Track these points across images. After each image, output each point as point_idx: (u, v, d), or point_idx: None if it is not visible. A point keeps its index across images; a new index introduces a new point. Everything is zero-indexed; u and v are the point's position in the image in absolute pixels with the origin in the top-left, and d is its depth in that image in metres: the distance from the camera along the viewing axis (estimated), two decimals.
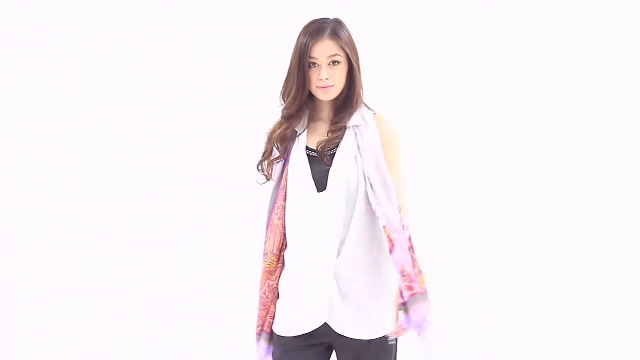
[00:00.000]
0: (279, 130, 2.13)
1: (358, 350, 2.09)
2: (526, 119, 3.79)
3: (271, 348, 2.18)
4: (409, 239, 2.05)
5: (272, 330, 2.17)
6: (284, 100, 2.13)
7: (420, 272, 2.04)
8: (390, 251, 2.02)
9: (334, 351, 2.18)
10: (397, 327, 2.09)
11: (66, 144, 3.81)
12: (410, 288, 2.01)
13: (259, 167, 2.19)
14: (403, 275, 2.01)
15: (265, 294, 2.17)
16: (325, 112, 2.15)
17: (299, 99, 2.08)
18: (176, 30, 3.78)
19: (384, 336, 2.09)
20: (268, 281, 2.16)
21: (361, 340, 2.08)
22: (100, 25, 3.78)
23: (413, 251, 2.05)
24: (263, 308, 2.17)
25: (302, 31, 2.09)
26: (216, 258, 3.76)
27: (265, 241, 2.17)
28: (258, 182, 2.23)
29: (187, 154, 3.80)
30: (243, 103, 3.76)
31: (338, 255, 2.06)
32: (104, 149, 3.81)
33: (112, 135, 3.81)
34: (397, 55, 3.77)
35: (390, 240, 2.02)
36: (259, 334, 2.19)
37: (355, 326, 2.07)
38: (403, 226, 2.05)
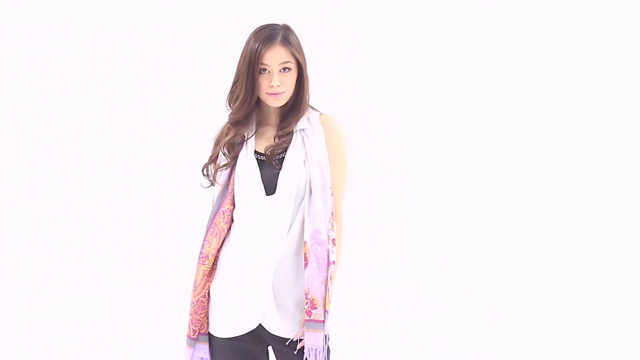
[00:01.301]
0: (227, 137, 2.14)
1: (293, 348, 2.12)
2: (525, 119, 3.79)
3: (209, 348, 2.19)
4: (328, 254, 2.07)
5: (209, 332, 2.18)
6: (230, 106, 2.14)
7: (327, 291, 2.07)
8: (305, 266, 2.06)
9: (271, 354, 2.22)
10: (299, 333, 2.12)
11: (66, 144, 3.81)
12: (309, 313, 2.05)
13: (204, 172, 2.23)
14: (307, 297, 2.05)
15: (204, 296, 2.17)
16: (273, 118, 2.16)
17: (247, 104, 2.09)
18: (176, 30, 3.78)
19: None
20: (208, 284, 2.18)
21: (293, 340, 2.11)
22: (100, 25, 3.78)
23: (330, 266, 2.07)
24: (202, 311, 2.17)
25: (251, 37, 2.08)
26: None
27: (205, 244, 2.19)
28: (202, 186, 2.26)
29: (187, 154, 3.79)
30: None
31: (280, 257, 2.09)
32: (104, 149, 3.80)
33: (112, 135, 3.80)
34: (394, 55, 3.77)
35: (306, 257, 2.06)
36: (195, 338, 2.18)
37: (289, 327, 2.11)
38: (329, 238, 2.07)
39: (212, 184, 2.23)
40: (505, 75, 3.78)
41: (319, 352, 2.05)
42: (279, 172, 2.08)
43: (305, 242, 2.05)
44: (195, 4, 3.79)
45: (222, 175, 2.17)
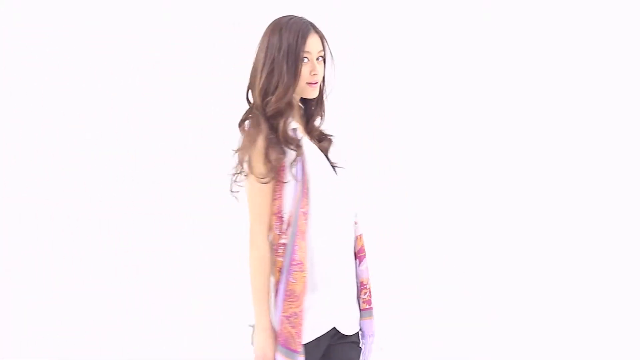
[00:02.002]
0: (283, 129, 1.99)
1: (354, 342, 2.10)
2: (525, 119, 3.79)
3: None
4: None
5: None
6: (268, 96, 2.00)
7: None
8: (363, 258, 2.08)
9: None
10: None
11: (66, 144, 3.80)
12: (369, 302, 2.11)
13: (265, 177, 1.98)
14: (366, 287, 2.09)
15: (303, 310, 1.98)
16: (296, 113, 2.08)
17: (289, 94, 1.99)
18: (176, 30, 3.78)
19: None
20: (308, 291, 1.99)
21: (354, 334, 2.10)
22: (100, 25, 3.78)
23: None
24: (303, 321, 1.97)
25: (283, 26, 2.01)
26: (216, 258, 3.75)
27: (297, 250, 1.95)
28: (234, 194, 2.14)
29: (187, 154, 3.79)
30: (243, 103, 3.76)
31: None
32: (104, 149, 3.80)
33: (112, 135, 3.80)
34: (394, 55, 3.77)
35: (363, 249, 2.08)
36: (301, 351, 1.98)
37: (355, 322, 2.11)
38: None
39: (268, 181, 1.99)
40: (505, 75, 3.78)
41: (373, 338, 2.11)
42: (335, 167, 2.07)
43: (361, 236, 2.08)
44: (195, 4, 3.79)
45: (297, 171, 1.98)
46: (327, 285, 1.99)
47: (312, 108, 2.10)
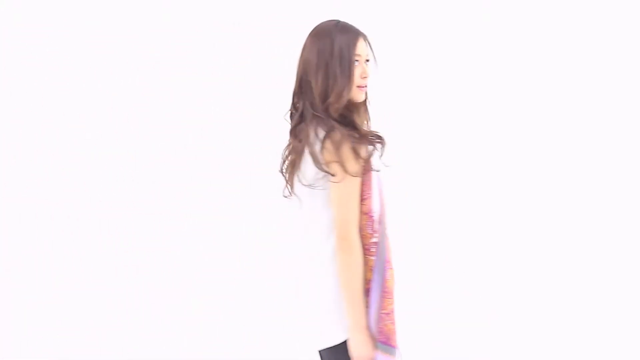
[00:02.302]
0: (366, 128, 2.06)
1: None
2: (525, 119, 3.79)
3: None
4: None
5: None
6: (323, 100, 2.01)
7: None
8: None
9: None
10: None
11: (66, 144, 3.81)
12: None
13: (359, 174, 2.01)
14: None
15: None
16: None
17: (346, 95, 2.01)
18: (176, 30, 3.78)
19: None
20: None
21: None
22: (100, 25, 3.78)
23: None
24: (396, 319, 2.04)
25: (332, 30, 2.02)
26: (216, 258, 3.76)
27: (388, 250, 2.02)
28: (286, 196, 2.10)
29: (187, 154, 3.80)
30: (243, 103, 3.76)
31: None
32: (104, 149, 3.80)
33: (112, 135, 3.80)
34: (394, 55, 3.77)
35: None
36: (397, 347, 2.04)
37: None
38: None
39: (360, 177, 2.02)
40: (505, 75, 3.78)
41: None
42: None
43: None
44: (195, 4, 3.79)
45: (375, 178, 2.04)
46: None
47: (353, 114, 2.07)
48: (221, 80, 3.77)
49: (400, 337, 2.03)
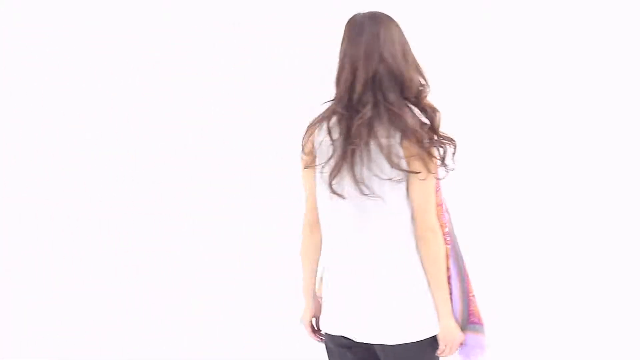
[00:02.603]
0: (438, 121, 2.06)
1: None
2: (525, 120, 3.79)
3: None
4: None
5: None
6: (410, 89, 2.02)
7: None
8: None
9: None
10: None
11: (66, 144, 3.81)
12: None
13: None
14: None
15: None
16: None
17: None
18: (176, 30, 3.78)
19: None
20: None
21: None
22: (100, 25, 3.78)
23: None
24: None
25: (386, 17, 2.03)
26: (216, 258, 3.76)
27: (447, 223, 2.06)
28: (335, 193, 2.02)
29: (187, 154, 3.80)
30: (243, 103, 3.76)
31: None
32: (104, 149, 3.80)
33: (112, 135, 3.80)
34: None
35: None
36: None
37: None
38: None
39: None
40: (505, 75, 3.78)
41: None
42: None
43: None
44: (195, 4, 3.79)
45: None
46: None
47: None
48: (221, 80, 3.77)
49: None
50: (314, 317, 2.15)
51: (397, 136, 1.89)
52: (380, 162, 1.91)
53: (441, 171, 1.97)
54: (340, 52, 1.97)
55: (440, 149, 1.95)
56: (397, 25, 2.00)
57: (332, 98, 1.98)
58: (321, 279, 2.12)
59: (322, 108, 1.98)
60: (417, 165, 1.90)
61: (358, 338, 2.00)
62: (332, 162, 1.93)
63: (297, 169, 2.03)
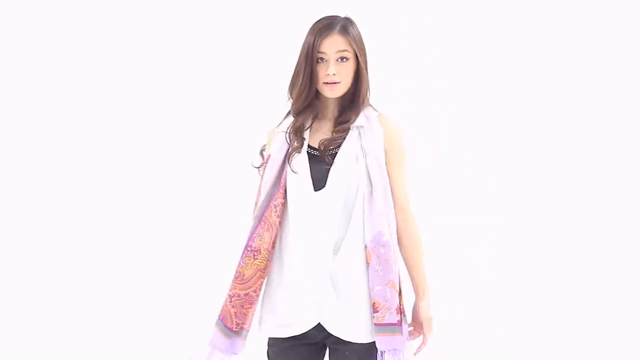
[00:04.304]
0: (294, 125, 2.09)
1: (354, 352, 2.07)
2: (524, 121, 3.80)
3: (269, 351, 2.16)
4: (393, 255, 2.05)
5: (249, 328, 2.12)
6: (291, 95, 2.09)
7: (399, 292, 2.06)
8: (367, 268, 2.05)
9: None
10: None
11: (66, 144, 3.81)
12: (374, 317, 2.03)
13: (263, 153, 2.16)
14: (371, 300, 2.04)
15: (255, 291, 2.09)
16: (330, 110, 2.13)
17: (306, 94, 2.04)
18: (176, 30, 3.78)
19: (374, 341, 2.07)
20: (260, 279, 2.09)
21: (355, 343, 2.06)
22: (100, 25, 3.79)
23: (396, 266, 2.06)
24: (249, 306, 2.09)
25: (312, 27, 2.05)
26: (215, 258, 3.76)
27: (255, 238, 2.08)
28: (253, 165, 2.19)
29: (186, 154, 3.80)
30: (242, 103, 3.77)
31: (335, 255, 2.04)
32: (104, 149, 3.81)
33: (112, 135, 3.81)
34: (394, 55, 3.77)
35: (367, 260, 2.04)
36: (236, 331, 2.11)
37: (349, 328, 2.06)
38: (391, 237, 2.05)
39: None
40: (506, 75, 3.79)
41: (399, 352, 2.04)
42: (329, 168, 2.05)
43: (365, 246, 2.03)
44: (195, 3, 3.79)
45: (272, 168, 2.09)
46: None
47: (345, 104, 2.11)
48: (221, 80, 3.77)
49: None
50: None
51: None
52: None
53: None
54: None
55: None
56: (307, 33, 2.06)
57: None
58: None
59: None
60: None
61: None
62: None
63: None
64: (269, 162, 2.10)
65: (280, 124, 2.14)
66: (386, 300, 2.02)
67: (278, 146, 2.10)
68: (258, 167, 2.15)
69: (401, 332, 2.04)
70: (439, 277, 3.74)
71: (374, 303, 2.02)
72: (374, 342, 2.05)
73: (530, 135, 3.79)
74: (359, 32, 2.09)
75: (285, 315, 2.09)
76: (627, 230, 3.77)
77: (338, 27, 2.03)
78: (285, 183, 2.07)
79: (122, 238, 3.82)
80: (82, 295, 3.80)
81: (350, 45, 2.04)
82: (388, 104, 3.76)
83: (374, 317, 2.02)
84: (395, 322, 2.03)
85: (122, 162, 3.82)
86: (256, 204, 2.11)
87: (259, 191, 2.11)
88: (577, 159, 3.78)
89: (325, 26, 2.02)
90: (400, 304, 2.05)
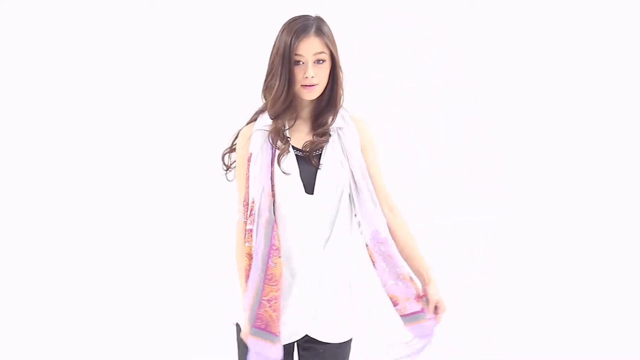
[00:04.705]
0: (275, 127, 2.06)
1: (328, 349, 2.10)
2: (524, 120, 3.80)
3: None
4: (393, 249, 2.06)
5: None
6: (265, 98, 2.08)
7: (410, 280, 2.07)
8: (373, 267, 2.07)
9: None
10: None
11: (66, 143, 3.81)
12: (398, 311, 2.06)
13: (224, 160, 2.15)
14: (390, 297, 2.07)
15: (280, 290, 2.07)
16: (306, 111, 2.12)
17: (284, 97, 2.03)
18: (176, 30, 3.78)
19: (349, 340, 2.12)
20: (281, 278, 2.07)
21: (334, 343, 2.09)
22: (100, 25, 3.78)
23: (399, 260, 2.07)
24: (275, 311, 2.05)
25: (285, 28, 2.03)
26: (214, 259, 3.75)
27: (275, 235, 2.03)
28: (228, 179, 2.18)
29: (186, 154, 3.80)
30: (242, 103, 3.76)
31: (322, 255, 2.06)
32: (104, 149, 3.81)
33: (112, 135, 3.81)
34: (396, 55, 3.77)
35: (372, 259, 2.06)
36: (279, 335, 2.05)
37: (333, 331, 2.09)
38: (387, 237, 2.06)
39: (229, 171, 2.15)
40: (506, 75, 3.79)
41: (428, 339, 2.06)
42: (317, 170, 2.05)
43: (367, 245, 2.04)
44: (195, 4, 3.79)
45: (257, 165, 2.07)
46: None
47: (322, 105, 2.10)
48: (221, 80, 3.77)
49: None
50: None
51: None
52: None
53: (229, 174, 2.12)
54: None
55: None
56: (280, 33, 2.05)
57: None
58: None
59: None
60: None
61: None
62: None
63: None
64: (251, 160, 2.07)
65: (249, 122, 2.13)
66: (402, 292, 2.04)
67: (259, 145, 2.07)
68: (226, 171, 2.14)
69: (426, 317, 2.06)
70: (439, 277, 3.76)
71: (391, 297, 2.05)
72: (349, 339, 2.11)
73: (529, 135, 3.78)
74: (332, 32, 2.07)
75: (284, 323, 2.09)
76: (626, 230, 3.76)
77: (314, 29, 2.01)
78: (274, 183, 2.05)
79: (121, 238, 3.82)
80: (80, 295, 3.80)
81: (327, 46, 2.02)
82: (388, 104, 3.78)
83: (395, 310, 2.05)
84: (419, 309, 2.07)
85: (121, 162, 3.82)
86: (246, 203, 2.07)
87: (247, 190, 2.07)
88: (576, 159, 3.78)
89: (301, 28, 2.00)
90: (417, 291, 2.07)
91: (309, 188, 2.05)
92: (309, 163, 2.06)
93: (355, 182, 2.07)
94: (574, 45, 3.76)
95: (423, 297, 2.09)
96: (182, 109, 3.81)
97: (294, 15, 2.06)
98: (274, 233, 2.01)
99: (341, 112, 2.11)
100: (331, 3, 3.70)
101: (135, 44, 3.80)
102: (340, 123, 2.09)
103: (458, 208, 3.79)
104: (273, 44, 2.04)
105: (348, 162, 2.07)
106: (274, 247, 2.01)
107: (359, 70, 3.72)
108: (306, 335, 2.08)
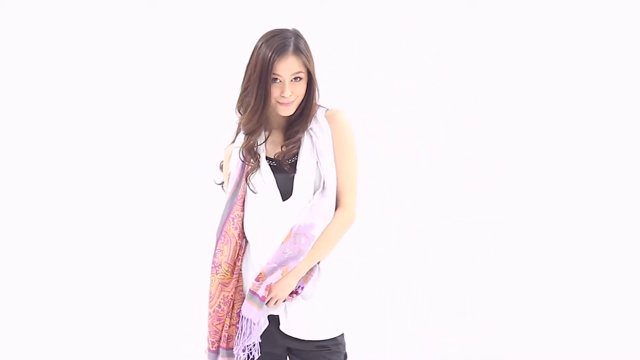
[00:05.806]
0: (246, 145, 2.09)
1: (313, 351, 2.12)
2: (524, 120, 3.79)
3: None
4: (306, 249, 2.06)
5: (229, 345, 2.12)
6: (240, 113, 2.10)
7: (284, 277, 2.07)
8: (281, 244, 2.06)
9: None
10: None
11: (65, 143, 3.81)
12: (255, 287, 2.07)
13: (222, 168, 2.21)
14: (260, 272, 2.07)
15: (220, 306, 2.13)
16: (282, 121, 2.14)
17: (259, 114, 2.04)
18: (176, 30, 3.78)
19: (336, 337, 2.12)
20: (223, 293, 2.12)
21: (315, 341, 2.11)
22: (100, 25, 3.78)
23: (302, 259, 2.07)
24: (218, 322, 2.13)
25: (262, 44, 2.02)
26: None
27: (217, 253, 2.12)
28: (215, 182, 2.24)
29: (186, 154, 3.79)
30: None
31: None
32: (103, 149, 3.80)
33: (111, 135, 3.81)
34: (395, 55, 3.77)
35: (285, 240, 2.05)
36: (215, 351, 2.14)
37: (309, 328, 2.10)
38: (314, 236, 2.06)
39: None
40: (506, 75, 3.78)
41: (251, 322, 2.06)
42: (294, 176, 2.07)
43: (291, 228, 2.04)
44: (195, 4, 3.79)
45: (232, 184, 2.12)
46: None
47: (295, 115, 2.11)
48: (221, 80, 3.77)
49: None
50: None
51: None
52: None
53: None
54: None
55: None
56: (256, 48, 2.05)
57: None
58: None
59: None
60: None
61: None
62: None
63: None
64: (230, 179, 2.13)
65: (233, 140, 2.17)
66: (270, 277, 2.04)
67: (235, 162, 2.12)
68: (221, 184, 2.20)
69: (258, 305, 2.06)
70: (439, 277, 3.76)
71: (261, 273, 2.06)
72: (335, 337, 2.14)
73: (529, 135, 3.78)
74: (308, 46, 2.07)
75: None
76: (626, 230, 3.76)
77: (292, 48, 2.00)
78: (244, 196, 2.10)
79: (121, 238, 3.82)
80: (79, 295, 3.80)
81: (304, 64, 2.03)
82: (388, 104, 3.77)
83: (252, 283, 2.06)
84: (261, 296, 2.06)
85: (121, 162, 3.82)
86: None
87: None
88: (576, 159, 3.77)
89: (279, 47, 1.99)
90: (272, 288, 2.07)
91: (286, 194, 2.07)
92: (283, 171, 2.08)
93: (323, 180, 2.08)
94: (574, 45, 3.75)
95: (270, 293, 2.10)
96: (182, 109, 3.81)
97: (271, 30, 2.05)
98: (216, 250, 2.12)
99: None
100: (331, 3, 3.70)
101: (135, 44, 3.80)
102: (312, 124, 2.11)
103: (458, 208, 3.78)
104: (250, 57, 2.04)
105: (319, 159, 2.08)
106: (212, 264, 2.12)
107: (359, 70, 3.73)
108: (287, 335, 2.10)
